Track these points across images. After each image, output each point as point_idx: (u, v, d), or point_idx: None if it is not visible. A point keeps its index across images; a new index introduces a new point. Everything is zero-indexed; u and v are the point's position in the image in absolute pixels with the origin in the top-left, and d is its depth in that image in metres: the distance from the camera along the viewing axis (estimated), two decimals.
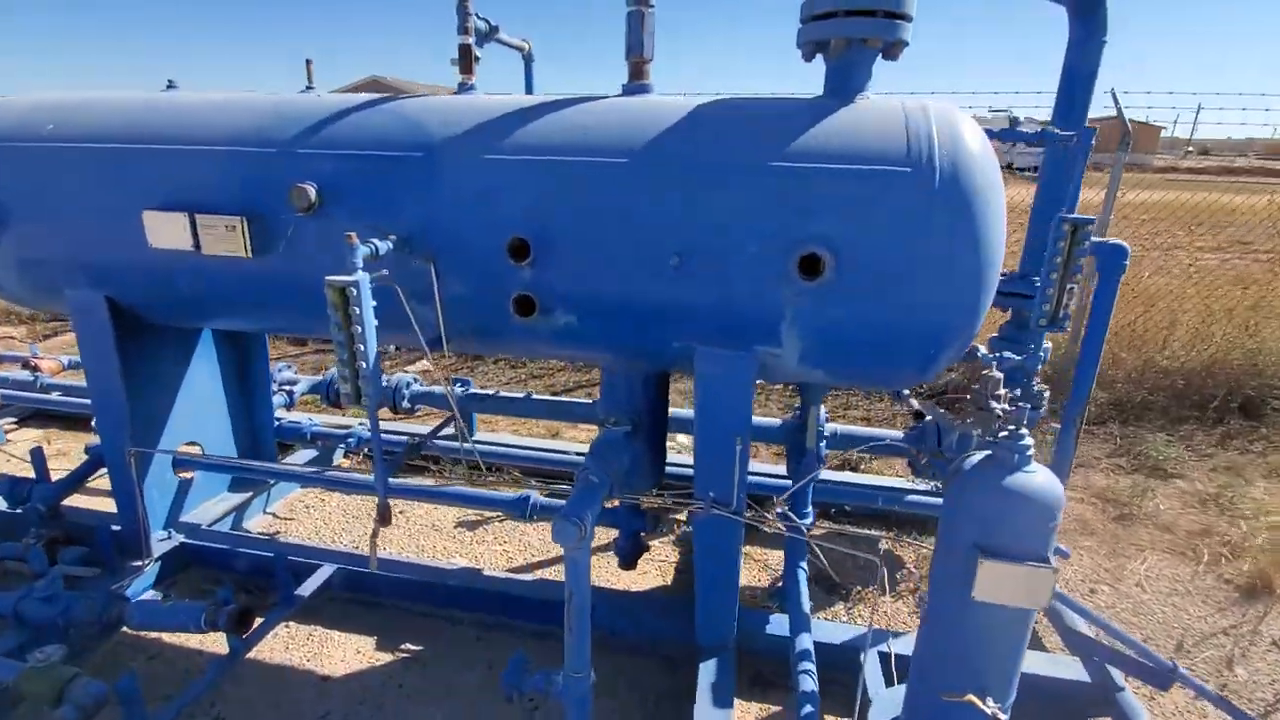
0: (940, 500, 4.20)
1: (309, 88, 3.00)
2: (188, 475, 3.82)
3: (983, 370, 2.21)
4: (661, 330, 2.48)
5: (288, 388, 4.83)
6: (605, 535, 4.09)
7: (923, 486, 4.27)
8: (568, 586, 2.25)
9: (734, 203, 2.25)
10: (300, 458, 4.65)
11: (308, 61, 3.01)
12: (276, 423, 4.29)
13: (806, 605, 2.90)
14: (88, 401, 5.21)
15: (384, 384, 4.86)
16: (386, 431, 4.92)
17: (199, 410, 3.79)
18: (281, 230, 2.60)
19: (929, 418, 3.20)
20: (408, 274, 2.50)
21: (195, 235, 2.62)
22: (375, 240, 2.29)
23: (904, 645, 2.91)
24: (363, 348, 2.16)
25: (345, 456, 5.11)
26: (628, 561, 3.35)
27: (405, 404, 4.86)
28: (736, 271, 2.28)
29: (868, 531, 4.22)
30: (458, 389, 4.89)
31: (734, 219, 2.25)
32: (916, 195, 2.13)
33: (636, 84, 2.63)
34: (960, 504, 2.14)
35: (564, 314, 2.49)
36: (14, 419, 5.59)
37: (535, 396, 4.68)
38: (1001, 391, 2.17)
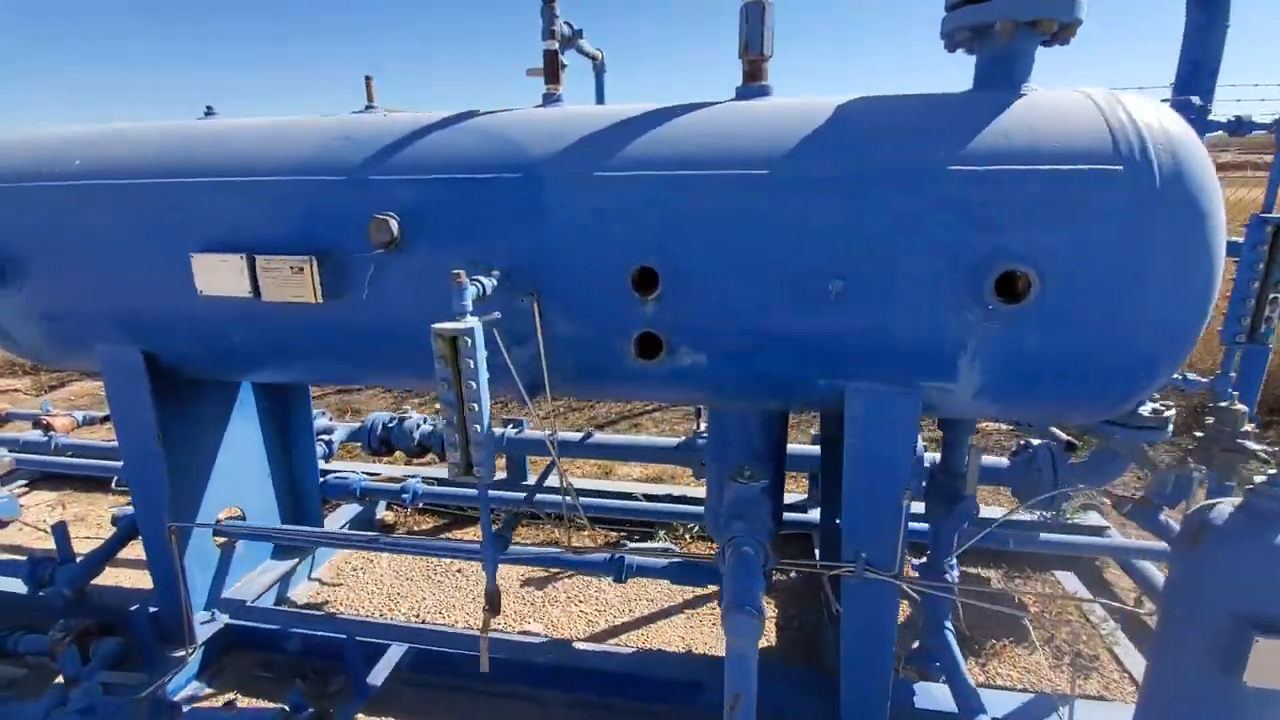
0: (1053, 535, 3.84)
1: (370, 106, 2.66)
2: (228, 543, 3.42)
3: (1221, 403, 1.86)
4: (808, 367, 2.12)
5: (324, 437, 4.42)
6: (679, 593, 3.69)
7: (1025, 517, 3.90)
8: (730, 685, 1.86)
9: (904, 215, 1.90)
10: (344, 514, 4.25)
11: (367, 78, 2.68)
12: (321, 479, 3.89)
13: (970, 677, 2.50)
14: (107, 463, 4.82)
15: (416, 426, 4.47)
16: (423, 480, 4.53)
17: (239, 470, 3.40)
18: (355, 270, 2.24)
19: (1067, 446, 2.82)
20: (505, 313, 2.14)
21: (254, 279, 2.25)
22: (481, 278, 1.93)
23: (1090, 717, 2.52)
24: (476, 407, 1.79)
25: (389, 508, 4.71)
26: None
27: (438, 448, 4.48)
28: (907, 295, 1.92)
29: (980, 572, 3.82)
30: (511, 430, 4.52)
31: (905, 235, 1.90)
32: (1134, 197, 1.78)
33: (755, 85, 2.30)
34: (1212, 566, 1.77)
35: (691, 353, 2.13)
36: (24, 481, 5.17)
37: (599, 436, 4.31)
38: (1248, 427, 1.81)
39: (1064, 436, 2.78)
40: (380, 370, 2.49)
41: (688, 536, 4.30)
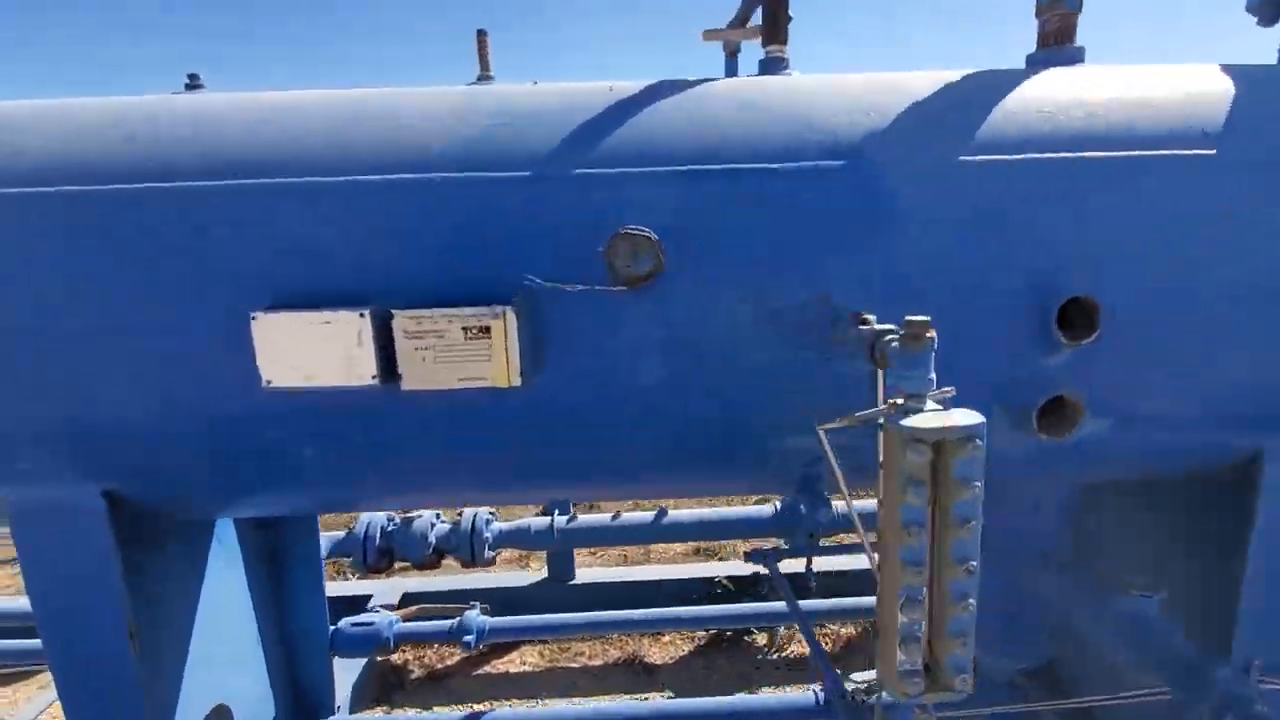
0: None
1: (486, 76, 1.74)
2: None
3: None
4: (1238, 422, 1.51)
5: None
6: None
7: None
8: None
9: None
10: (345, 669, 3.02)
11: (480, 34, 1.75)
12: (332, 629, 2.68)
13: None
14: None
15: (429, 527, 3.38)
16: (451, 593, 3.40)
17: (221, 642, 2.19)
18: (564, 323, 1.33)
19: None
20: None
21: (386, 354, 1.27)
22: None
23: None
24: (973, 567, 0.97)
25: (394, 649, 3.48)
26: None
27: (488, 552, 3.42)
28: None
29: None
30: (560, 519, 3.53)
31: None
32: None
33: (1068, 49, 1.70)
34: None
35: (1098, 419, 1.44)
36: None
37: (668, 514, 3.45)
38: None
39: None
40: (582, 481, 1.54)
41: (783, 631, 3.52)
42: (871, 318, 1.21)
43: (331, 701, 2.71)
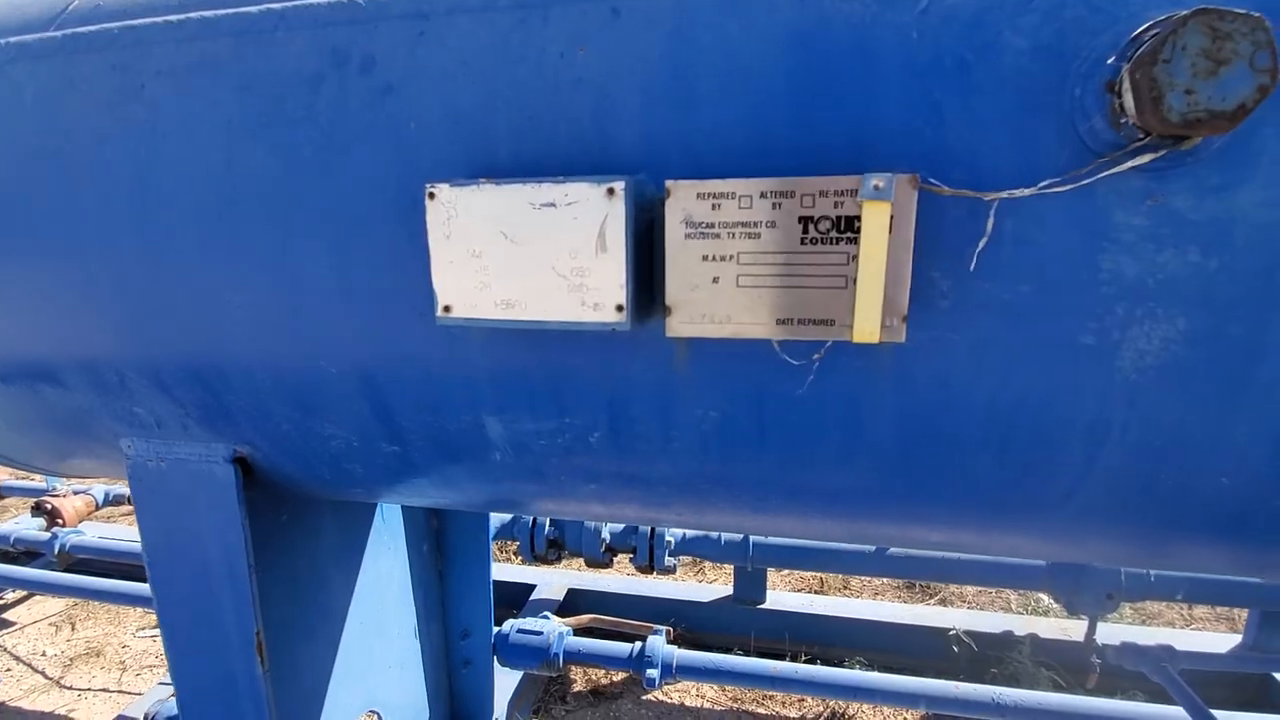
0: None
1: None
2: None
3: None
4: None
5: None
6: None
7: None
8: None
9: None
10: (505, 674, 2.61)
11: None
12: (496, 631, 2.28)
13: None
14: (134, 586, 3.20)
15: (628, 526, 2.94)
16: (621, 596, 2.91)
17: (376, 640, 1.83)
18: (984, 227, 0.67)
19: None
20: None
21: (647, 269, 0.69)
22: None
23: None
24: None
25: (561, 669, 3.07)
26: None
27: (669, 559, 2.90)
28: None
29: None
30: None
31: None
32: None
33: None
34: None
35: None
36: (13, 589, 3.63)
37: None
38: None
39: None
40: (936, 523, 0.88)
41: None
42: None
43: (490, 713, 2.31)
